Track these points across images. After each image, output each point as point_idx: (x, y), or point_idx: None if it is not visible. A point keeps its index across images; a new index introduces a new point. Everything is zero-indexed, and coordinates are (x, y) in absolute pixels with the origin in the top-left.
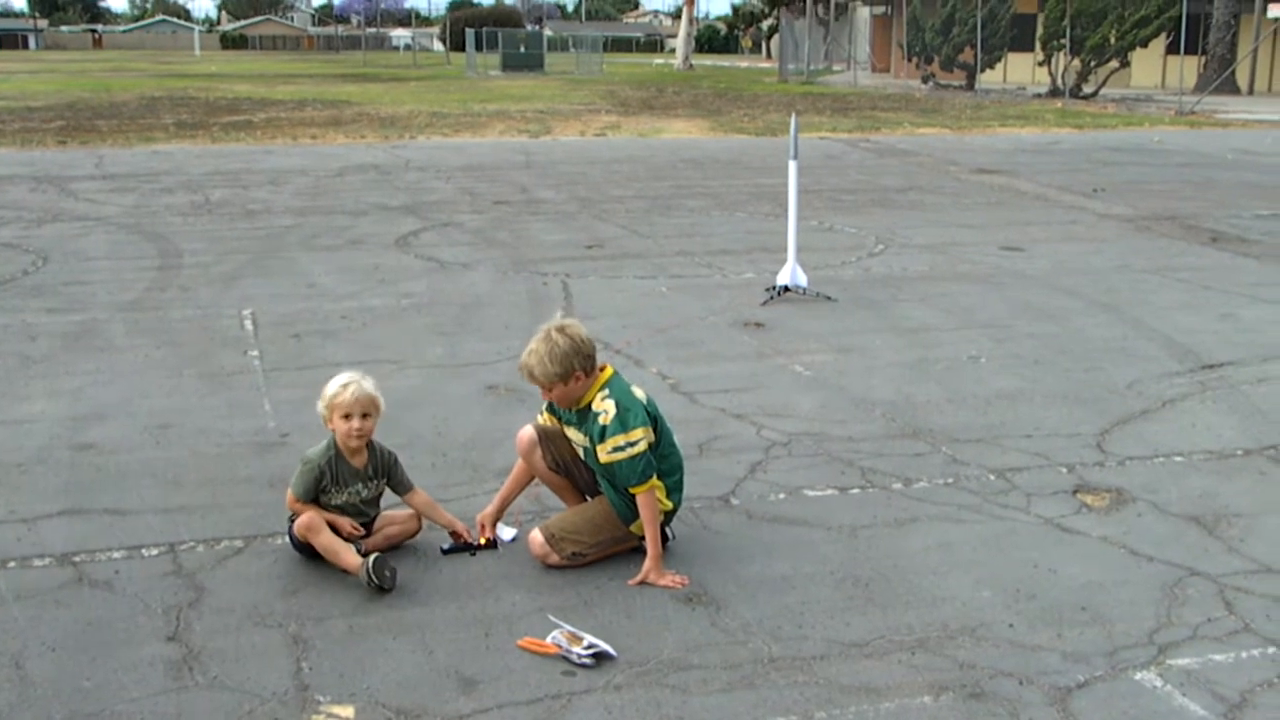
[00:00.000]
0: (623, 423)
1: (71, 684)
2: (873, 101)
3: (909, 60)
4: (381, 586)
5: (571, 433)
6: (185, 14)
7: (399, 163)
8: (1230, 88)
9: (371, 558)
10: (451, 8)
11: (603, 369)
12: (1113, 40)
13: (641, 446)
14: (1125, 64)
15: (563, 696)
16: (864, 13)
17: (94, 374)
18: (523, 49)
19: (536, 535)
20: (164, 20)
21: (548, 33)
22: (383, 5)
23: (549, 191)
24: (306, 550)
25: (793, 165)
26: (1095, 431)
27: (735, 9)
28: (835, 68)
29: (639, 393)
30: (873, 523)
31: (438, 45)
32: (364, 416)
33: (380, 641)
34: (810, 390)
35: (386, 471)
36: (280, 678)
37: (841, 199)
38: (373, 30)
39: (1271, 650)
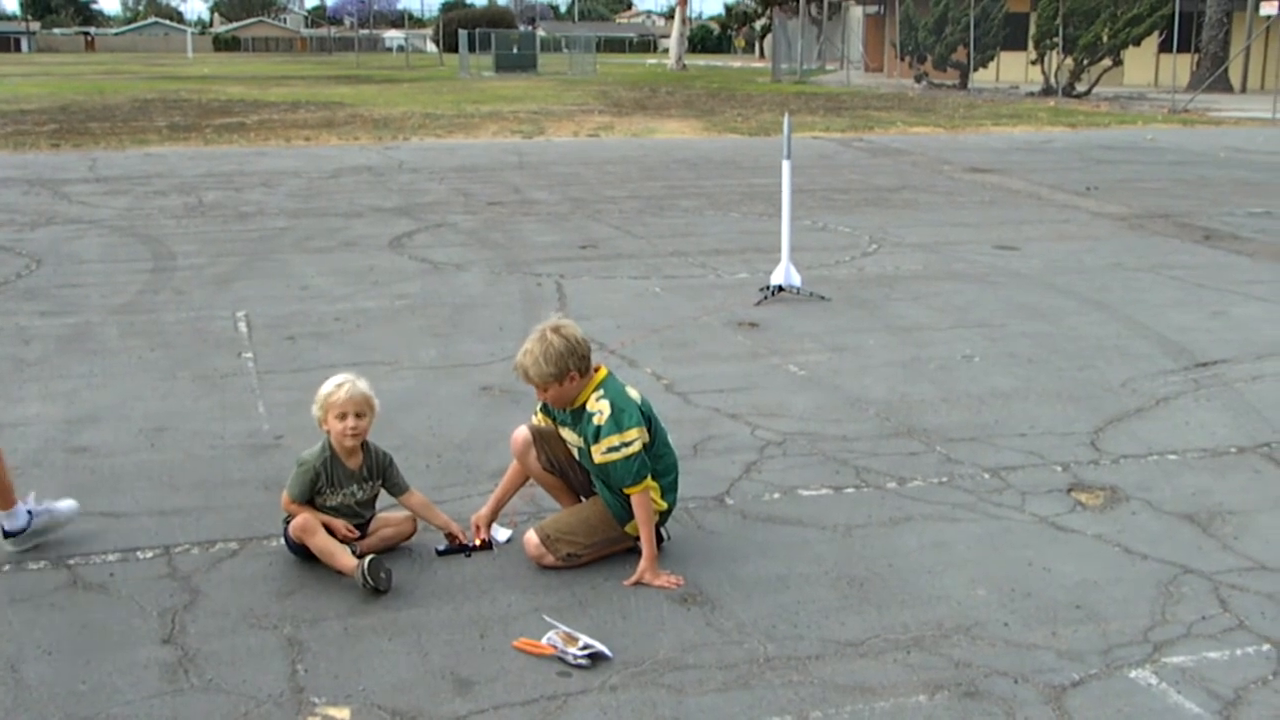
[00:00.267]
0: (617, 423)
1: (66, 687)
2: (866, 101)
3: (902, 59)
4: (377, 588)
5: (566, 433)
6: (178, 16)
7: (392, 164)
8: (1223, 86)
9: (367, 559)
10: (444, 9)
11: (597, 369)
12: (1105, 39)
13: (636, 447)
14: (1118, 62)
15: (558, 697)
16: (857, 12)
17: (88, 377)
18: (516, 50)
19: (532, 536)
20: (156, 22)
21: (541, 33)
22: (375, 7)
23: (542, 192)
24: (301, 552)
25: (786, 165)
26: (1089, 430)
27: (728, 9)
28: (828, 67)
29: (633, 393)
30: (867, 522)
31: (430, 46)
32: (359, 416)
33: (376, 643)
34: (804, 390)
35: (382, 473)
36: (275, 680)
37: (835, 198)
38: (365, 32)
39: (1266, 648)
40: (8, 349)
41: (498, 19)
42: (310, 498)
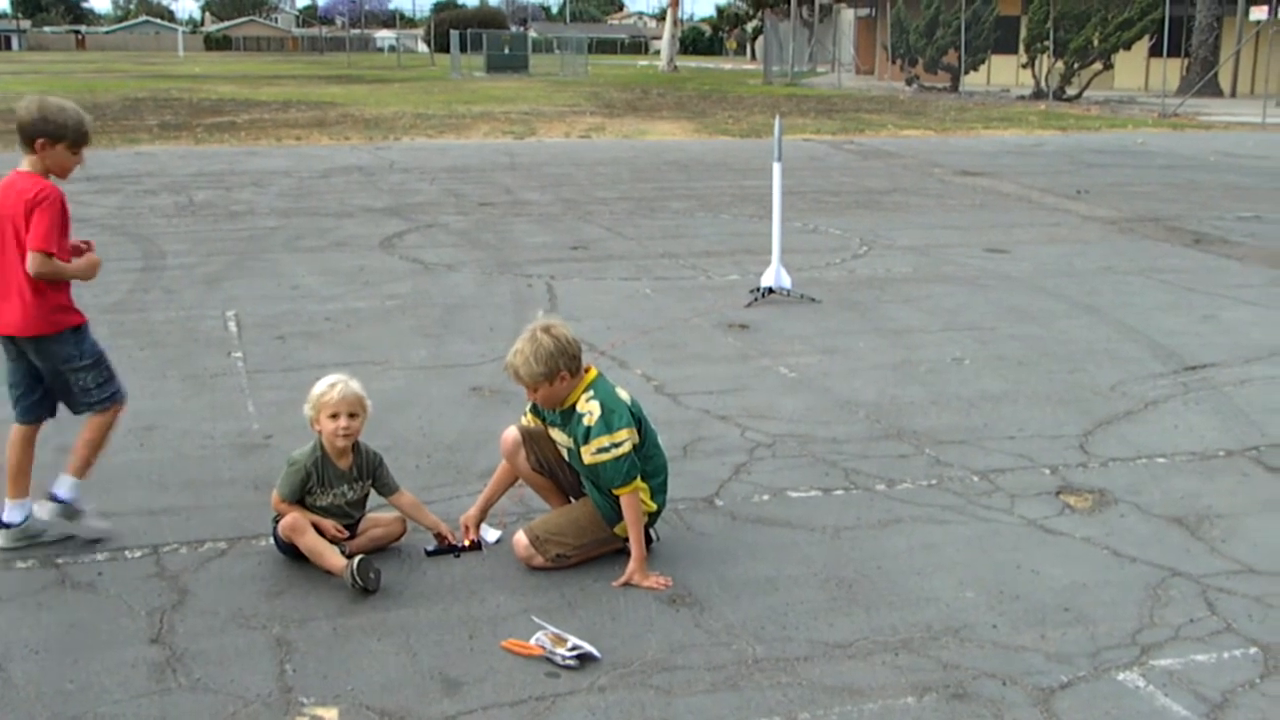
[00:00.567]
0: (607, 424)
1: (54, 686)
2: (857, 103)
3: (893, 62)
4: (366, 588)
5: (556, 434)
6: (169, 15)
7: (383, 164)
8: (1213, 90)
9: (356, 559)
10: (436, 9)
11: (587, 370)
12: (1096, 43)
13: (626, 448)
14: (1109, 66)
15: (547, 698)
16: (848, 15)
17: None
18: (507, 50)
19: (521, 537)
20: (147, 21)
21: (532, 34)
22: (367, 6)
23: (533, 193)
24: (291, 552)
25: (777, 167)
26: (1078, 433)
27: (720, 11)
28: (819, 70)
29: (623, 394)
30: (856, 524)
31: (422, 47)
32: (351, 416)
33: (364, 643)
34: (794, 392)
35: (372, 473)
36: (264, 680)
37: (826, 201)
38: (357, 31)
39: (1253, 650)
40: None
41: (489, 20)
42: (300, 497)
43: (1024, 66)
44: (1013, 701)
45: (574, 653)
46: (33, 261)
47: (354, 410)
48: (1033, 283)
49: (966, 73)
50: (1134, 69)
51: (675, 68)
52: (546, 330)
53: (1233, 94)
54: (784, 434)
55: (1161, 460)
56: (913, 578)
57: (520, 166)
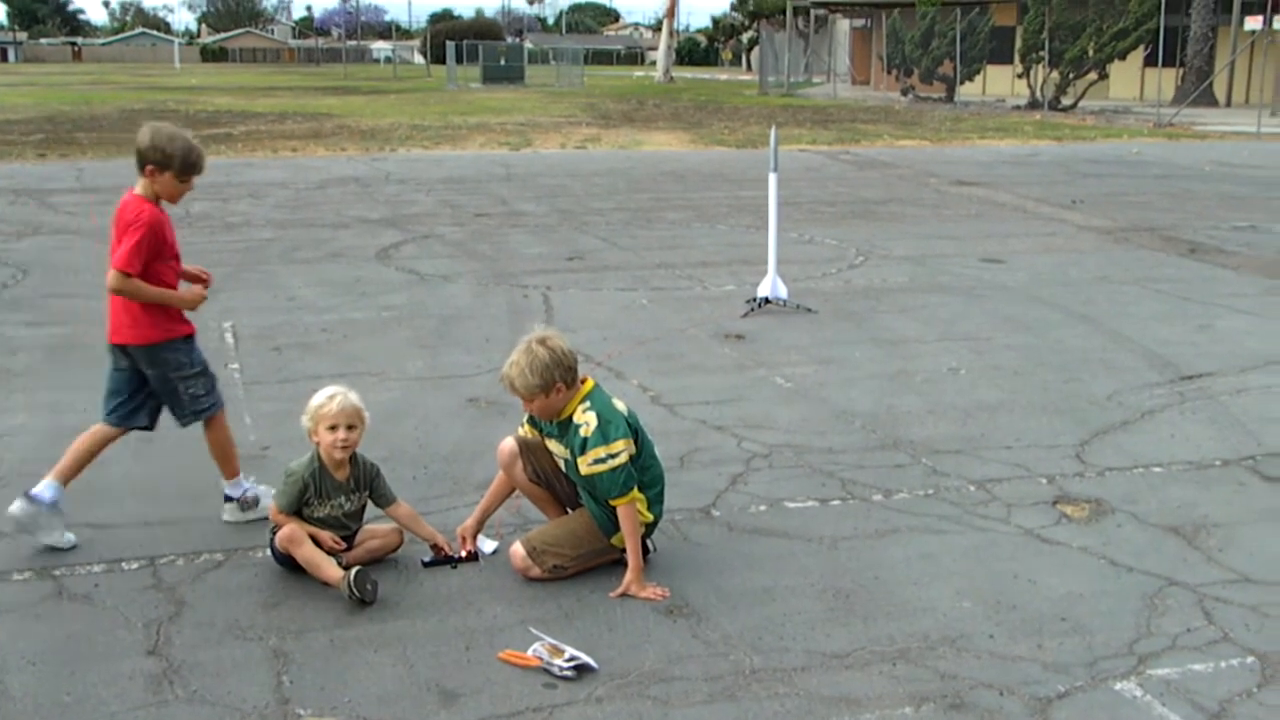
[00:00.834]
0: (604, 435)
1: (51, 698)
2: (852, 114)
3: (888, 72)
4: (363, 599)
5: (553, 445)
6: (165, 27)
7: (379, 175)
8: (1208, 100)
9: (353, 571)
10: (432, 20)
11: (584, 381)
12: (1091, 53)
13: (623, 459)
14: (1103, 76)
15: (544, 709)
16: (843, 25)
17: (75, 387)
18: (503, 61)
19: (518, 548)
20: (143, 33)
21: (528, 45)
22: (363, 18)
23: (529, 204)
24: (288, 563)
25: (773, 177)
26: (1075, 442)
27: (715, 22)
28: (815, 80)
29: (620, 405)
30: (853, 534)
31: (418, 58)
32: (349, 428)
33: (361, 654)
34: (791, 402)
35: (369, 484)
36: (261, 691)
37: (822, 211)
38: (353, 43)
39: (1250, 660)
40: None
41: (485, 31)
42: (298, 509)
43: (1019, 77)
44: (1010, 712)
45: (571, 664)
46: (111, 278)
47: (352, 422)
48: (1028, 292)
49: (962, 83)
50: (1129, 79)
51: (671, 78)
52: (542, 342)
53: (1228, 103)
54: (780, 444)
55: (1158, 470)
56: (910, 588)
57: (516, 177)
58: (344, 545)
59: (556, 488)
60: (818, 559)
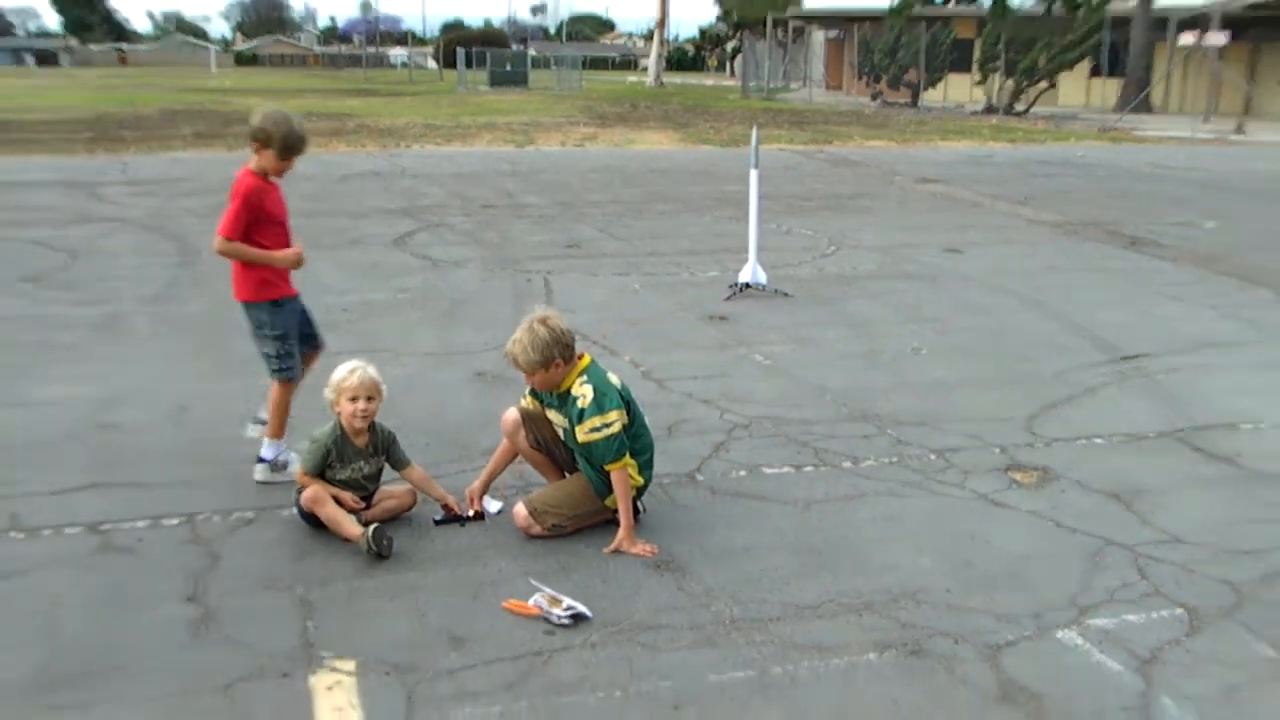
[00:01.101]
0: (599, 406)
1: (102, 639)
2: (826, 117)
3: (859, 79)
4: (380, 554)
5: (552, 415)
6: (202, 34)
7: (396, 170)
8: (1146, 107)
9: (371, 528)
10: (444, 29)
11: (581, 357)
12: (1042, 63)
13: (616, 428)
14: (1053, 85)
15: (544, 653)
16: (819, 36)
17: (119, 361)
18: (509, 67)
19: (520, 508)
20: (183, 40)
21: (531, 52)
22: (382, 27)
23: (532, 196)
24: (312, 521)
25: (754, 174)
26: (1025, 416)
27: (702, 32)
28: (793, 85)
29: (614, 379)
30: (824, 498)
31: (431, 63)
32: (369, 399)
33: (378, 603)
34: (769, 378)
35: (386, 449)
36: (288, 635)
37: (798, 205)
38: (373, 49)
39: (1179, 611)
40: (46, 335)
41: (493, 39)
42: (321, 471)
43: (977, 84)
44: (964, 658)
45: (568, 612)
46: (215, 242)
47: (371, 394)
48: (985, 280)
49: (925, 89)
50: (1076, 87)
51: (662, 83)
52: (543, 321)
53: (1164, 111)
54: (759, 416)
55: (1099, 441)
56: (875, 546)
57: (520, 172)
58: (363, 505)
59: (556, 454)
60: (792, 520)
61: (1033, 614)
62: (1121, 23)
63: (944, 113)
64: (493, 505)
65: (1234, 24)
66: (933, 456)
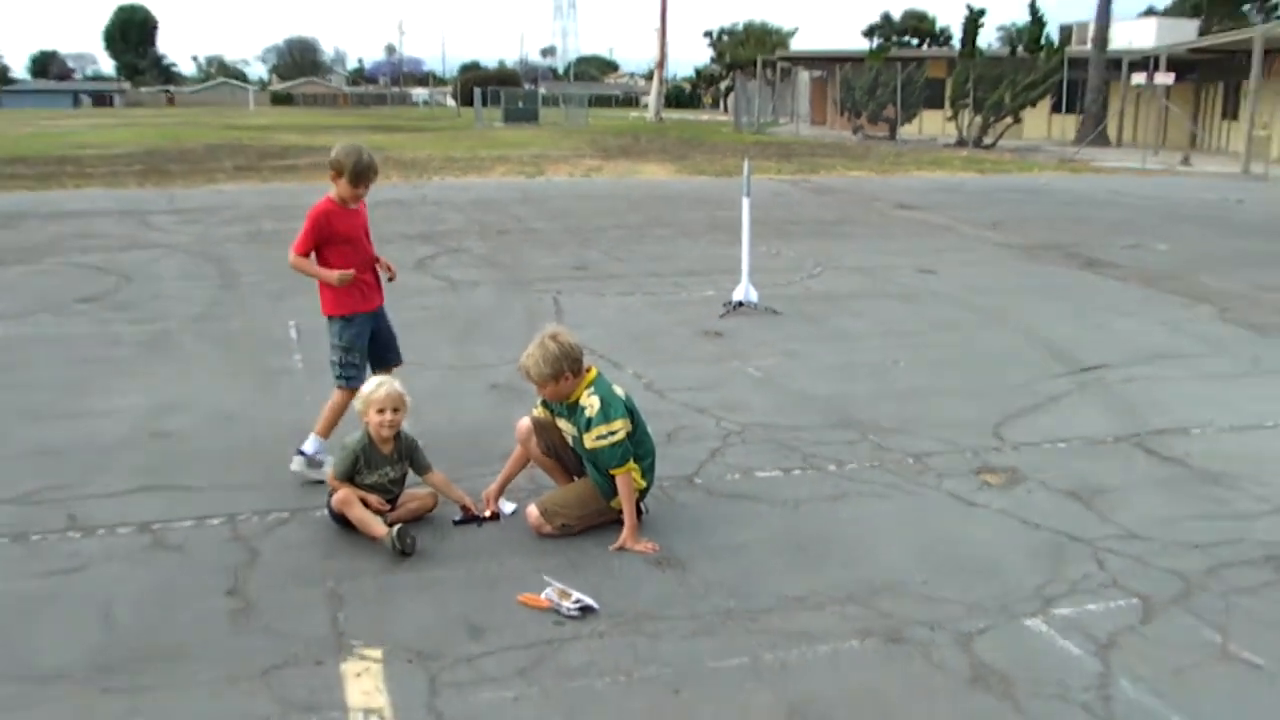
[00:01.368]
0: (605, 415)
1: (152, 627)
2: (812, 149)
3: (842, 115)
4: (404, 552)
5: (562, 423)
6: (242, 76)
7: (418, 198)
8: (1102, 140)
9: (395, 528)
10: (462, 70)
11: (589, 370)
12: (1008, 100)
13: (621, 435)
14: (1018, 120)
15: (554, 642)
16: (804, 76)
17: (168, 374)
18: (521, 104)
19: (532, 509)
20: (224, 82)
21: (542, 91)
22: (405, 68)
23: (543, 223)
24: (342, 521)
25: (746, 201)
26: (994, 422)
27: (698, 72)
28: (781, 121)
29: (619, 390)
30: (812, 498)
31: (450, 101)
32: (395, 411)
33: (403, 596)
34: (761, 388)
35: (409, 455)
36: (320, 625)
37: (786, 229)
38: (397, 89)
39: (1135, 601)
40: (103, 350)
41: (506, 78)
42: (350, 476)
43: (949, 119)
44: (939, 644)
45: (577, 605)
46: (289, 257)
47: (397, 406)
48: (956, 298)
49: (902, 124)
50: (1039, 122)
51: (661, 119)
52: (554, 337)
53: (1119, 143)
54: (752, 423)
55: (1062, 445)
56: (858, 542)
57: (532, 201)
58: (388, 507)
59: (565, 459)
60: (782, 519)
61: (1001, 604)
62: (1079, 63)
63: (919, 145)
64: (507, 506)
65: (1179, 65)
66: (910, 460)
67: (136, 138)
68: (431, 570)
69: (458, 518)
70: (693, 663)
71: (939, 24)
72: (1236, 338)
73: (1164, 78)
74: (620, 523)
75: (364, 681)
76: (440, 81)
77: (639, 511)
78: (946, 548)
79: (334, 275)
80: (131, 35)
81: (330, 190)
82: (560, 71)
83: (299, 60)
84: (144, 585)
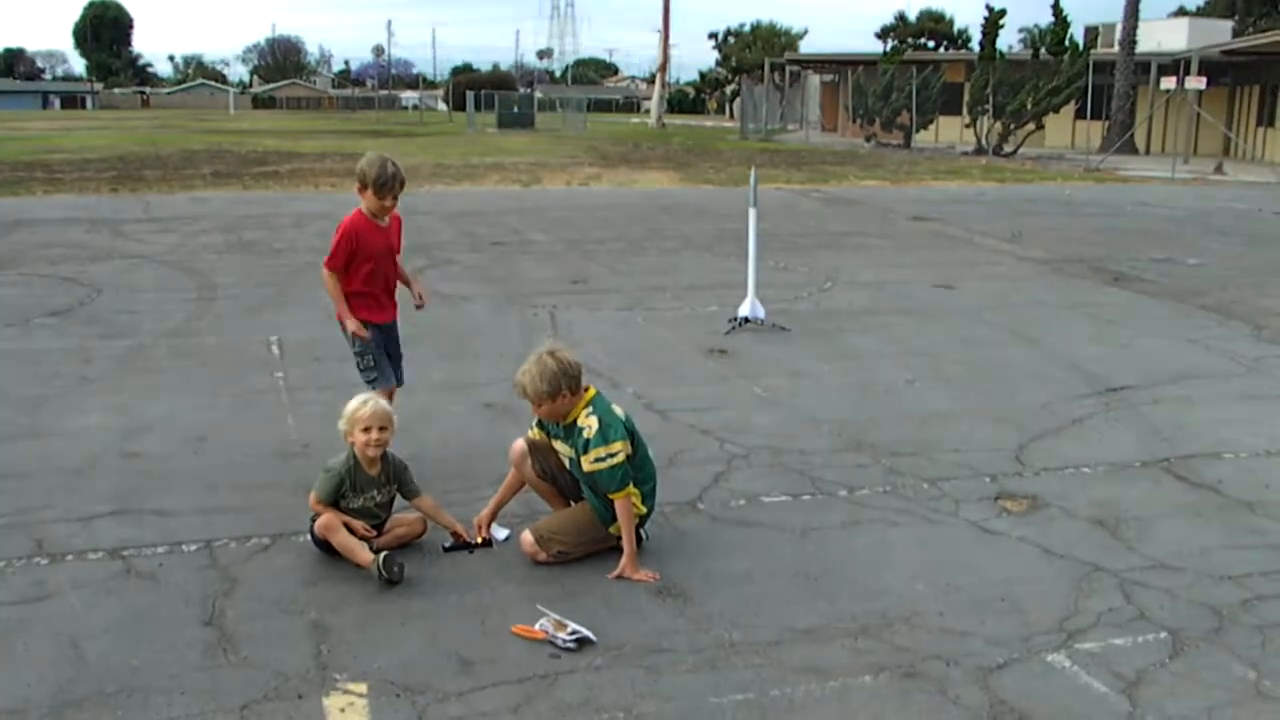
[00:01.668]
0: (604, 437)
1: (121, 662)
2: (822, 157)
3: (854, 121)
4: (391, 580)
5: (559, 445)
6: (221, 78)
7: (407, 208)
8: (1129, 148)
9: (382, 555)
10: (454, 72)
11: (587, 389)
12: (1029, 106)
13: (620, 458)
14: (1040, 127)
15: (549, 676)
16: (814, 80)
17: (141, 392)
18: (516, 109)
19: (527, 535)
20: (203, 83)
21: (538, 95)
22: (394, 70)
23: (539, 234)
24: (325, 547)
25: (752, 212)
26: (1014, 446)
27: (703, 75)
28: (789, 127)
29: (618, 410)
30: (821, 525)
31: (441, 105)
32: (381, 429)
33: (390, 627)
34: (767, 409)
35: (397, 478)
36: (302, 658)
37: (795, 242)
38: (385, 92)
39: (1164, 635)
40: (72, 367)
41: (501, 82)
42: (335, 500)
43: (967, 126)
44: (956, 680)
45: (573, 637)
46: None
47: (384, 424)
48: (975, 314)
49: (918, 131)
50: (1062, 129)
51: (663, 125)
52: (551, 354)
53: (1146, 151)
54: (758, 446)
55: (1086, 470)
56: (870, 572)
57: (527, 210)
58: (375, 532)
59: (561, 483)
60: (790, 547)
61: (1022, 637)
62: (1105, 67)
63: (935, 153)
64: (500, 533)
65: (1212, 68)
66: (925, 485)
67: (110, 142)
68: (420, 600)
69: (448, 544)
70: (695, 699)
71: (957, 25)
72: (1272, 357)
73: (1195, 82)
74: (619, 550)
75: (348, 717)
76: (431, 84)
77: (639, 538)
78: (964, 578)
79: (350, 324)
80: (104, 33)
81: (360, 203)
82: (557, 74)
83: (281, 61)
84: (114, 615)
